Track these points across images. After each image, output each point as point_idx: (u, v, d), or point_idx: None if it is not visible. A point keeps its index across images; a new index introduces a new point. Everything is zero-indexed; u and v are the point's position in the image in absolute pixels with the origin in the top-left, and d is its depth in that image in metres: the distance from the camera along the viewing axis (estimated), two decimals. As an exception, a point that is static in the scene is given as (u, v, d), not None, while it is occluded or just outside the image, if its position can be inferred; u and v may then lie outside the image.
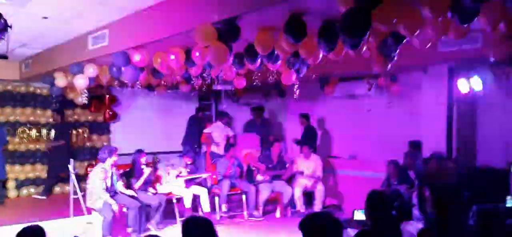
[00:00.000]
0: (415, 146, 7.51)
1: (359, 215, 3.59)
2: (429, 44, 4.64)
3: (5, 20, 3.34)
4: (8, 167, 8.83)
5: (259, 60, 5.37)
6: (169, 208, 7.18)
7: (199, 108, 10.25)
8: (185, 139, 9.63)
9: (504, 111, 7.00)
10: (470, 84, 7.08)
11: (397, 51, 5.14)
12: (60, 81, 7.59)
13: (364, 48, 4.94)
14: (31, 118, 9.19)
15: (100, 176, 6.27)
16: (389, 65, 5.39)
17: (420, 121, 7.85)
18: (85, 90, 7.62)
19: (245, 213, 7.83)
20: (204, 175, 7.97)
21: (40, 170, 9.29)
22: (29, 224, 2.93)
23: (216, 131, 9.23)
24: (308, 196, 8.17)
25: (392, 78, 8.05)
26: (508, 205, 4.75)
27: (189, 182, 7.58)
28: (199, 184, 7.77)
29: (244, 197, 7.89)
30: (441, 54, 6.16)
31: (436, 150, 6.92)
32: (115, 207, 6.13)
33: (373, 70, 5.67)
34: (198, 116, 10.01)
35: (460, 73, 7.24)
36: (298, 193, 7.94)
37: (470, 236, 3.16)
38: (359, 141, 8.97)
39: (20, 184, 9.04)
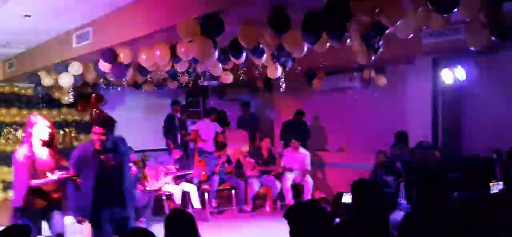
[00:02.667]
0: (402, 137, 7.58)
1: (347, 198, 3.65)
2: (412, 35, 4.68)
3: None
4: (-6, 169, 8.76)
5: (244, 55, 5.38)
6: (158, 205, 7.18)
7: (174, 101, 9.93)
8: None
9: (488, 100, 7.10)
10: (454, 75, 7.17)
11: (381, 42, 5.21)
12: (46, 80, 7.52)
13: (348, 41, 5.00)
14: (17, 119, 9.10)
15: None
16: (373, 57, 5.44)
17: (406, 112, 7.93)
18: (71, 89, 7.56)
19: (235, 208, 7.85)
20: (190, 172, 7.95)
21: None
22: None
23: (203, 128, 9.21)
24: (297, 190, 8.22)
25: (378, 70, 8.11)
26: (492, 191, 4.83)
27: (178, 179, 7.58)
28: (189, 180, 7.78)
29: (233, 192, 7.92)
30: (425, 45, 6.23)
31: (422, 140, 7.00)
32: None
33: (358, 62, 5.72)
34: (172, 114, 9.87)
35: (444, 64, 7.33)
36: (287, 186, 7.99)
37: (453, 221, 3.21)
38: (347, 134, 9.02)
39: (7, 186, 8.94)
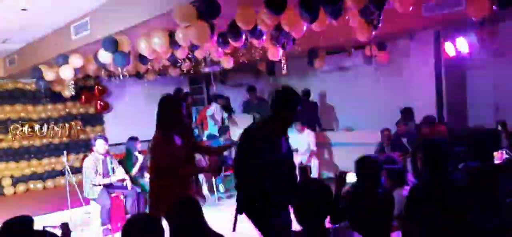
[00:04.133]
0: (407, 112, 7.53)
1: (351, 177, 3.64)
2: (411, 8, 4.61)
3: None
4: (3, 165, 8.83)
5: (243, 37, 5.35)
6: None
7: (177, 89, 10.02)
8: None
9: (491, 71, 7.02)
10: (456, 47, 7.08)
11: (381, 17, 5.14)
12: (48, 74, 7.52)
13: (347, 17, 4.94)
14: (23, 115, 9.15)
15: (90, 166, 6.29)
16: (373, 33, 5.38)
17: (410, 88, 7.86)
18: (72, 82, 7.57)
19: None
20: (198, 157, 7.96)
21: (36, 166, 9.29)
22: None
23: (216, 112, 9.28)
24: (304, 171, 8.20)
25: (380, 46, 8.04)
26: (496, 161, 4.78)
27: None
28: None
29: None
30: (426, 19, 6.15)
31: (427, 115, 6.96)
32: (113, 179, 6.37)
33: (358, 38, 5.67)
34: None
35: (446, 37, 7.24)
36: (293, 168, 7.98)
37: (459, 192, 3.19)
38: (353, 113, 8.99)
39: (16, 181, 9.04)
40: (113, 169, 6.53)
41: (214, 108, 9.44)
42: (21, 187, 9.06)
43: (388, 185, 4.07)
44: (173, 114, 3.94)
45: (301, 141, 8.20)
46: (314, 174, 8.05)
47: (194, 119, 9.90)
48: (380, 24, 5.06)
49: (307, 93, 9.30)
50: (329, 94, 9.69)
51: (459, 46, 7.03)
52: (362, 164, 3.59)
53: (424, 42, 7.58)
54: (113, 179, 6.43)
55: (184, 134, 4.04)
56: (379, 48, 8.00)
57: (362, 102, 8.68)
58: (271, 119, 3.44)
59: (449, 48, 7.19)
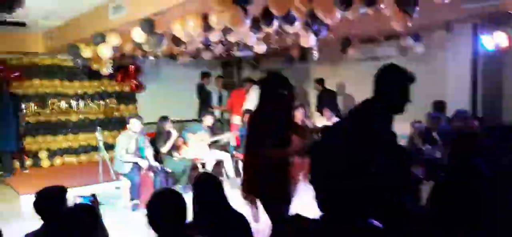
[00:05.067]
0: (439, 106, 7.40)
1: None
2: (449, 0, 4.53)
3: None
4: (40, 138, 9.20)
5: (276, 23, 5.36)
6: (194, 174, 7.35)
7: (202, 72, 10.10)
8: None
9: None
10: (495, 41, 6.88)
11: (417, 7, 5.06)
12: (86, 52, 7.75)
13: (382, 5, 4.89)
14: (60, 90, 9.48)
15: (122, 142, 6.49)
16: (410, 23, 5.30)
17: (445, 81, 7.70)
18: (110, 61, 7.78)
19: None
20: (226, 135, 8.04)
21: (71, 140, 9.63)
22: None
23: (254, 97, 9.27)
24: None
25: (416, 38, 7.88)
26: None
27: (211, 145, 7.72)
28: (224, 149, 7.90)
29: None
30: (464, 11, 6.00)
31: (460, 109, 6.81)
32: (140, 162, 6.43)
33: (394, 28, 5.59)
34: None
35: (484, 30, 7.03)
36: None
37: (489, 186, 3.15)
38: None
39: (52, 154, 9.41)
40: (142, 148, 6.71)
41: (253, 93, 9.29)
42: (57, 160, 9.43)
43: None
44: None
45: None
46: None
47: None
48: (416, 15, 4.99)
49: (319, 80, 9.27)
50: (360, 83, 9.57)
51: (497, 39, 6.82)
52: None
53: (462, 35, 7.39)
54: (140, 162, 6.49)
55: None
56: (415, 39, 7.86)
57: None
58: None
59: (487, 42, 6.99)
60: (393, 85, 2.89)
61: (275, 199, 3.31)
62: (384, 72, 2.91)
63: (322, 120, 8.37)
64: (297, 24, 5.53)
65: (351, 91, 9.87)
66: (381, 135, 2.84)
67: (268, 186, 3.20)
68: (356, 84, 9.75)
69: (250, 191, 3.39)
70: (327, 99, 9.20)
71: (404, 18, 5.26)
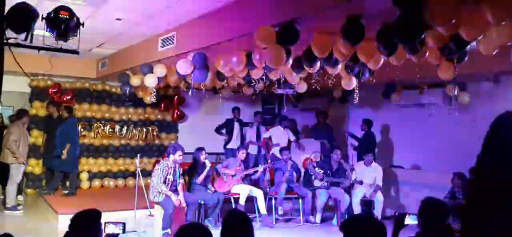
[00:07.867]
0: (484, 159, 7.11)
1: (409, 220, 3.42)
2: (496, 51, 4.43)
3: (78, 18, 3.65)
4: (83, 160, 9.51)
5: (318, 64, 5.41)
6: (227, 207, 7.36)
7: (233, 108, 10.06)
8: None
9: None
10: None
11: (465, 58, 4.97)
12: (135, 80, 8.06)
13: (426, 54, 4.84)
14: (106, 115, 9.85)
15: (162, 171, 6.53)
16: (455, 72, 5.21)
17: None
18: (154, 90, 8.05)
19: (301, 218, 7.84)
20: (260, 168, 8.00)
21: (111, 164, 9.90)
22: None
23: (277, 134, 9.29)
24: (367, 205, 8.01)
25: (461, 86, 7.70)
26: None
27: (245, 179, 7.72)
28: (256, 184, 7.88)
29: (300, 201, 7.92)
30: (512, 63, 5.83)
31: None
32: (174, 198, 6.38)
33: (439, 76, 5.50)
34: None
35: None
36: (356, 201, 7.83)
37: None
38: (423, 151, 8.65)
39: (92, 176, 9.68)
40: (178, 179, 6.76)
41: (273, 130, 9.43)
42: (96, 183, 9.69)
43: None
44: None
45: (368, 173, 8.03)
46: (377, 210, 7.83)
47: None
48: (462, 64, 4.91)
49: (368, 121, 9.12)
50: (400, 129, 9.40)
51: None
52: (428, 207, 3.39)
53: (509, 87, 7.16)
54: (173, 198, 6.41)
55: None
56: (460, 88, 7.67)
57: (436, 142, 8.32)
58: None
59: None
60: None
61: None
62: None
63: (360, 165, 8.24)
64: (339, 66, 5.55)
65: (390, 135, 9.71)
66: None
67: None
68: (396, 128, 9.60)
69: None
70: (366, 142, 9.05)
71: (451, 66, 5.19)
